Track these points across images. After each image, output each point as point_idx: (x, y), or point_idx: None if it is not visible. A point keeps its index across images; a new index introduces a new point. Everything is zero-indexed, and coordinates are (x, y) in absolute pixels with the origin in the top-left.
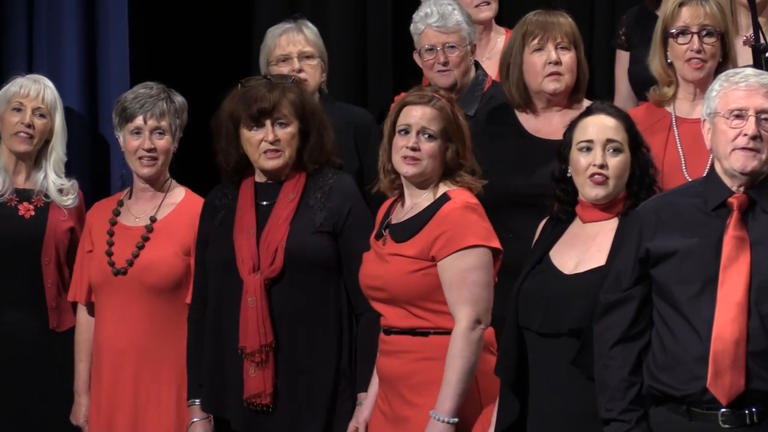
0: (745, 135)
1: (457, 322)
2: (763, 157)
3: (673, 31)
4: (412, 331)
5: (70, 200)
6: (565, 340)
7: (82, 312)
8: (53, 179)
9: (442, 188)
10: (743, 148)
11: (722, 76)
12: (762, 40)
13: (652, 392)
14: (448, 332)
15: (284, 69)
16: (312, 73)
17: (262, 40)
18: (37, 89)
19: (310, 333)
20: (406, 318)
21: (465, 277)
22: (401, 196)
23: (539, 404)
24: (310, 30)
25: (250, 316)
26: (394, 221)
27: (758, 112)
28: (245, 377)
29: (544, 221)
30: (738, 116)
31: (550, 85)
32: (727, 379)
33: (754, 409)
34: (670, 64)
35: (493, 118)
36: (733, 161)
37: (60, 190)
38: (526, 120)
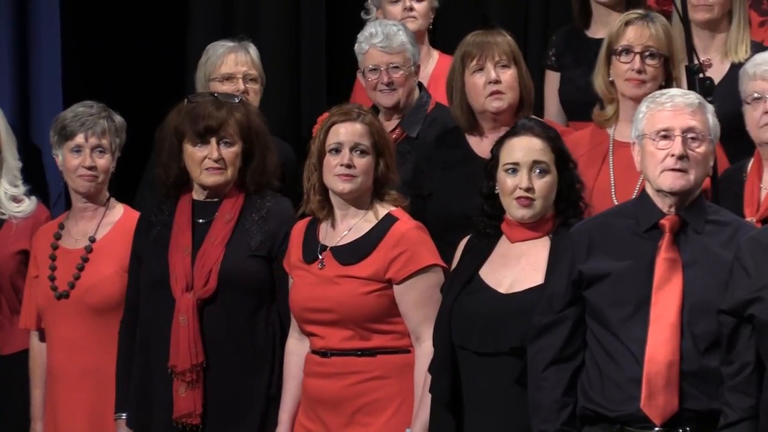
0: (673, 155)
1: (424, 341)
2: (691, 177)
3: (617, 48)
4: (359, 352)
5: (22, 207)
6: (504, 359)
7: (33, 338)
8: (6, 188)
9: (380, 209)
10: (672, 169)
11: (648, 97)
12: (696, 61)
13: (586, 413)
14: (395, 351)
15: (227, 88)
16: (254, 98)
17: (196, 59)
18: None
19: (242, 356)
20: (351, 340)
21: (429, 296)
22: (327, 217)
23: (477, 423)
24: (255, 52)
25: (182, 336)
26: (329, 243)
27: (684, 132)
28: (175, 396)
29: (465, 240)
30: (665, 137)
31: (493, 104)
32: (661, 400)
33: (687, 428)
34: (612, 83)
35: (444, 141)
36: (661, 181)
37: (13, 198)
38: (476, 143)
